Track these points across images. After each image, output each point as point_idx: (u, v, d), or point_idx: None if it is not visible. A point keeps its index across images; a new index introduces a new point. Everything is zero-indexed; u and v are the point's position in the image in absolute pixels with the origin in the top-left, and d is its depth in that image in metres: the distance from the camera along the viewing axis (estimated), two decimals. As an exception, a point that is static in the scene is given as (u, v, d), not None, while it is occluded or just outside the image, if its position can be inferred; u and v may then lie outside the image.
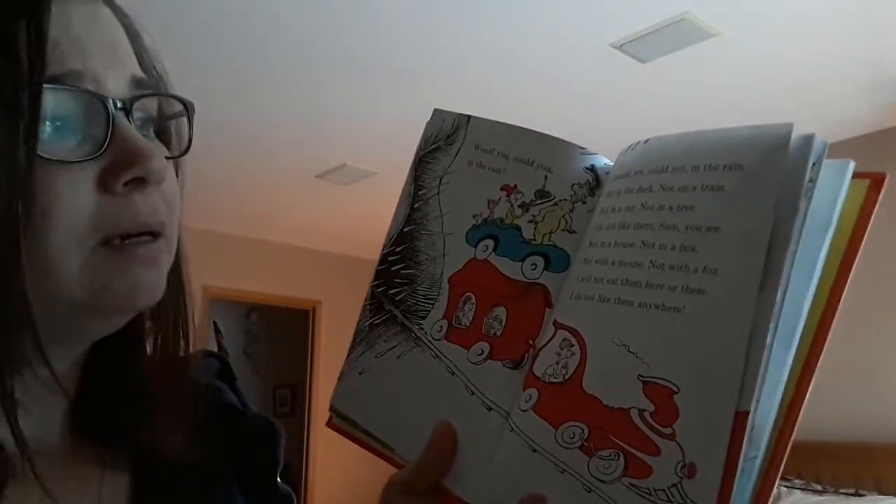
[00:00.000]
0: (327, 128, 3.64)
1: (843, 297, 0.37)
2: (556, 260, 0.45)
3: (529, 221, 0.46)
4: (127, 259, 0.44)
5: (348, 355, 0.50)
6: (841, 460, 3.38)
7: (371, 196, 4.41)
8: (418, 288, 0.48)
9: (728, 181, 0.38)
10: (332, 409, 0.50)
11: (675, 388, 0.37)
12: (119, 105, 0.44)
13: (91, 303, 0.43)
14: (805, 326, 0.37)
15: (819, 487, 3.30)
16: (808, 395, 0.37)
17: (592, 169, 0.46)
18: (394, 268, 0.49)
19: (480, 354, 0.45)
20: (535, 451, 0.40)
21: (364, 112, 3.45)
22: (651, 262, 0.39)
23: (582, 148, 0.46)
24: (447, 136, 0.50)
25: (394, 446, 0.47)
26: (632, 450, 0.37)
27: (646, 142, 0.43)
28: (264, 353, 6.75)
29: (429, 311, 0.47)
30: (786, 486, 3.32)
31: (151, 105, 0.48)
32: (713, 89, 3.23)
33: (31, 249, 0.40)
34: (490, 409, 0.44)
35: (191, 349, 0.54)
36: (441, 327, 0.47)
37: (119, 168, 0.43)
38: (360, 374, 0.49)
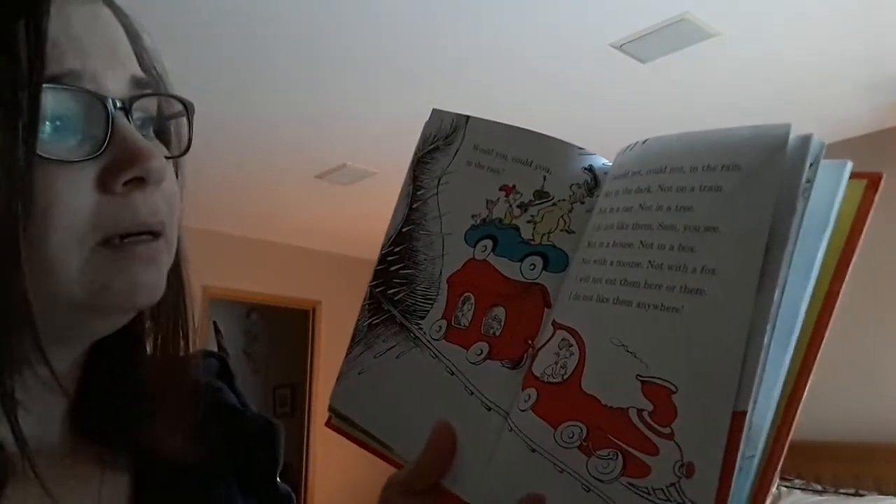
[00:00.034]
0: (327, 128, 3.64)
1: (840, 296, 0.37)
2: (555, 260, 0.45)
3: (528, 222, 0.46)
4: (126, 258, 0.44)
5: (347, 355, 0.50)
6: (841, 460, 3.38)
7: (371, 196, 4.41)
8: (417, 288, 0.48)
9: (726, 181, 0.38)
10: (330, 409, 0.50)
11: (673, 388, 0.37)
12: (119, 105, 0.44)
13: (91, 302, 0.43)
14: (802, 326, 0.37)
15: (819, 487, 3.30)
16: (805, 395, 0.37)
17: (591, 169, 0.46)
18: (392, 268, 0.49)
19: (479, 354, 0.45)
20: (534, 450, 0.40)
21: (364, 112, 3.45)
22: (649, 262, 0.39)
23: (580, 148, 0.46)
24: (446, 137, 0.50)
25: (393, 446, 0.47)
26: (630, 449, 0.37)
27: (644, 142, 0.43)
28: (264, 353, 6.75)
29: (427, 311, 0.47)
30: (786, 486, 3.32)
31: (151, 105, 0.48)
32: (713, 89, 3.23)
33: (30, 249, 0.40)
34: (489, 408, 0.44)
35: (191, 349, 0.54)
36: (440, 327, 0.47)
37: (119, 168, 0.43)
38: (358, 374, 0.49)
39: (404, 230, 0.50)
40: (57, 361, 0.43)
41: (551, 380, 0.41)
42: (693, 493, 0.35)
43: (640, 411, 0.37)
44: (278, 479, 0.59)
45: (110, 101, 0.43)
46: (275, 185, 4.42)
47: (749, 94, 3.27)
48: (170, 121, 0.51)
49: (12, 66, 0.40)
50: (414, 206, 0.50)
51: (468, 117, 0.50)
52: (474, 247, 0.47)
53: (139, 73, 0.47)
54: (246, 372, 6.59)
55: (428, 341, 0.47)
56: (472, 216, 0.48)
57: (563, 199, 0.46)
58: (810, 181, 0.37)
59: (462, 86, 3.17)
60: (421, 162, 0.51)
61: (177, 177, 0.50)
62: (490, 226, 0.47)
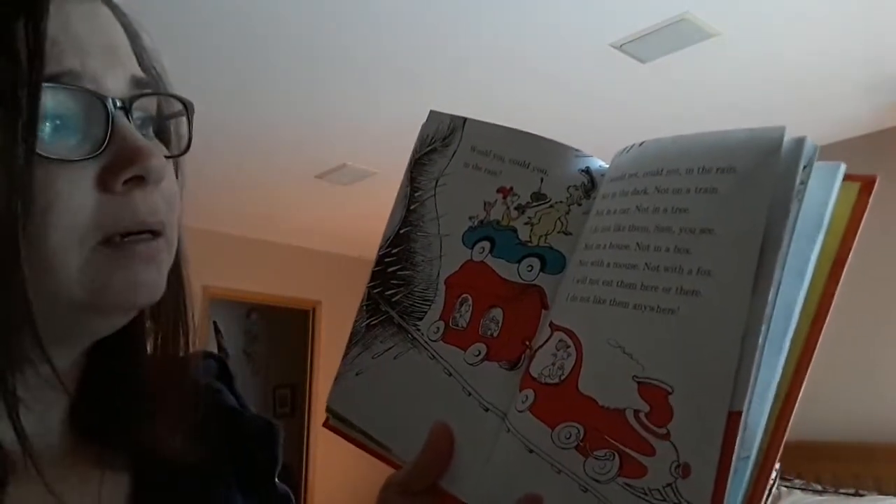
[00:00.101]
0: (327, 128, 3.64)
1: (835, 298, 0.37)
2: (552, 261, 0.45)
3: (525, 223, 0.46)
4: (126, 257, 0.44)
5: (345, 356, 0.50)
6: (841, 460, 3.38)
7: (371, 196, 4.41)
8: (415, 289, 0.48)
9: (721, 184, 0.38)
10: (328, 409, 0.50)
11: (669, 389, 0.37)
12: (118, 104, 0.44)
13: (91, 301, 0.43)
14: (797, 327, 0.37)
15: (819, 487, 3.30)
16: (800, 396, 0.37)
17: (587, 171, 0.46)
18: (390, 269, 0.50)
19: (477, 355, 0.45)
20: (531, 451, 0.41)
21: (364, 112, 3.45)
22: (646, 263, 0.39)
23: (577, 150, 0.47)
24: (443, 138, 0.50)
25: (391, 447, 0.47)
26: (627, 450, 0.37)
27: (640, 144, 0.43)
28: (264, 353, 6.75)
29: (425, 312, 0.48)
30: (786, 486, 3.32)
31: (151, 104, 0.48)
32: (713, 89, 3.23)
33: (30, 248, 0.40)
34: (487, 409, 0.44)
35: (191, 349, 0.54)
36: (438, 328, 0.47)
37: (118, 167, 0.43)
38: (356, 374, 0.49)
39: (402, 231, 0.50)
40: (57, 361, 0.43)
41: (549, 381, 0.41)
42: (689, 494, 0.35)
43: (636, 412, 0.37)
44: (276, 479, 0.60)
45: (110, 101, 0.43)
46: (275, 185, 4.42)
47: (749, 94, 3.27)
48: (169, 120, 0.51)
49: (12, 65, 0.40)
50: (411, 207, 0.50)
51: (465, 119, 0.50)
52: (472, 248, 0.47)
53: (139, 72, 0.47)
54: (246, 372, 6.59)
55: (426, 342, 0.47)
56: (470, 218, 0.48)
57: (561, 201, 0.46)
58: (804, 183, 0.37)
59: (462, 86, 3.17)
60: (418, 163, 0.51)
61: (177, 176, 0.50)
62: (488, 227, 0.47)
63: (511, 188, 0.47)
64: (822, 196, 0.38)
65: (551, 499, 0.39)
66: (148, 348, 0.52)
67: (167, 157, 0.47)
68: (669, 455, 0.36)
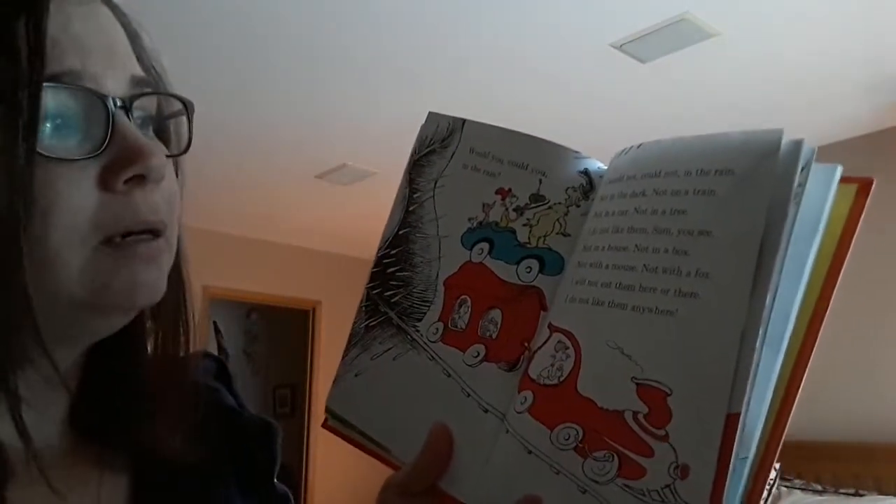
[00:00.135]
0: (327, 128, 3.64)
1: (832, 300, 0.37)
2: (551, 263, 0.45)
3: (524, 225, 0.46)
4: (127, 257, 0.44)
5: (343, 357, 0.50)
6: (841, 460, 3.38)
7: (371, 196, 4.42)
8: (414, 290, 0.48)
9: (720, 186, 0.38)
10: (327, 410, 0.50)
11: (668, 391, 0.37)
12: (119, 103, 0.44)
13: (91, 301, 0.43)
14: (794, 329, 0.37)
15: (819, 487, 3.30)
16: (798, 396, 0.37)
17: (586, 173, 0.46)
18: (389, 270, 0.50)
19: (476, 357, 0.45)
20: (530, 452, 0.41)
21: (364, 112, 3.45)
22: (644, 265, 0.39)
23: (576, 152, 0.47)
24: (442, 140, 0.50)
25: (390, 448, 0.47)
26: (626, 451, 0.38)
27: (639, 146, 0.43)
28: (264, 353, 6.75)
29: (424, 313, 0.48)
30: (786, 486, 3.32)
31: (150, 104, 0.48)
32: (713, 89, 3.23)
33: (32, 248, 0.40)
34: (486, 410, 0.44)
35: (191, 349, 0.54)
36: (437, 329, 0.47)
37: (119, 166, 0.43)
38: (355, 375, 0.49)
39: (400, 233, 0.50)
40: (58, 360, 0.43)
41: (547, 382, 0.41)
42: (687, 495, 0.35)
43: (635, 413, 0.38)
44: (275, 479, 0.60)
45: (110, 100, 0.43)
46: (275, 185, 4.42)
47: (749, 94, 3.27)
48: (169, 120, 0.51)
49: (12, 64, 0.40)
50: (410, 208, 0.50)
51: (464, 121, 0.50)
52: (471, 250, 0.47)
53: (139, 71, 0.47)
54: (246, 372, 6.59)
55: (425, 343, 0.47)
56: (469, 219, 0.48)
57: (559, 203, 0.46)
58: (802, 185, 0.37)
59: (462, 86, 3.17)
60: (417, 165, 0.51)
61: (176, 176, 0.50)
62: (486, 229, 0.47)
63: (510, 189, 0.47)
64: (819, 198, 0.38)
65: (550, 500, 0.39)
66: (148, 348, 0.52)
67: (167, 157, 0.47)
68: (668, 456, 0.36)
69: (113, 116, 0.43)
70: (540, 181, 0.47)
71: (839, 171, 0.38)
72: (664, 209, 0.40)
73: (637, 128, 3.45)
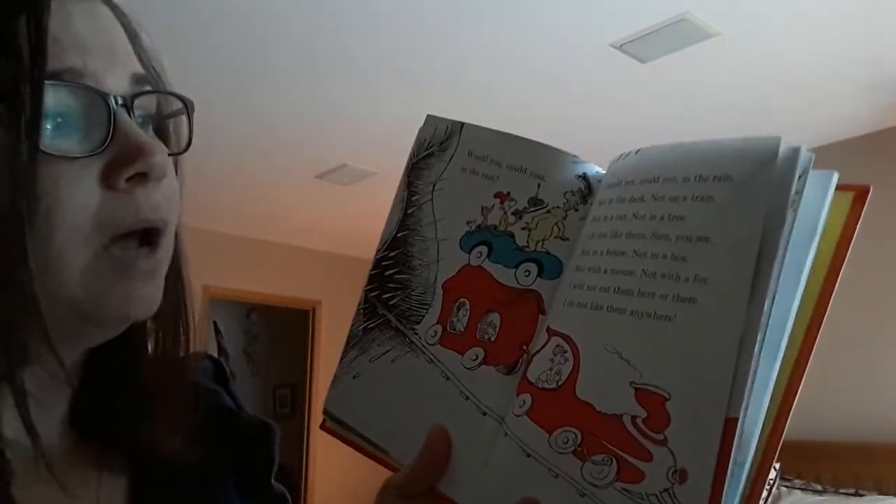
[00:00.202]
0: (327, 128, 3.64)
1: (829, 305, 0.37)
2: (549, 267, 0.45)
3: (523, 228, 0.46)
4: (126, 270, 0.44)
5: (342, 359, 0.50)
6: (841, 460, 3.38)
7: (371, 196, 4.42)
8: (412, 293, 0.48)
9: (718, 192, 0.38)
10: (325, 412, 0.50)
11: (666, 395, 0.37)
12: (120, 101, 0.44)
13: (87, 309, 0.43)
14: (792, 334, 0.38)
15: (819, 487, 3.30)
16: (796, 400, 0.37)
17: (584, 177, 0.46)
18: (387, 272, 0.50)
19: (475, 360, 0.45)
20: (528, 455, 0.41)
21: (364, 112, 3.45)
22: (643, 270, 0.39)
23: (574, 156, 0.47)
24: (440, 143, 0.50)
25: (388, 450, 0.47)
26: (624, 455, 0.38)
27: (637, 152, 0.43)
28: (264, 353, 6.75)
29: (423, 316, 0.48)
30: (786, 486, 3.32)
31: (150, 103, 0.48)
32: (713, 89, 3.23)
33: (36, 247, 0.40)
34: (484, 413, 0.44)
35: (191, 349, 0.54)
36: (435, 332, 0.47)
37: (121, 164, 0.43)
38: (353, 377, 0.49)
39: (399, 235, 0.50)
40: (54, 363, 0.43)
41: (546, 386, 0.41)
42: (686, 499, 0.35)
43: (633, 418, 0.38)
44: (273, 479, 0.60)
45: (112, 98, 0.43)
46: (275, 185, 4.42)
47: (749, 94, 3.27)
48: (169, 119, 0.51)
49: (14, 62, 0.40)
50: (409, 211, 0.50)
51: (463, 124, 0.50)
52: (469, 253, 0.47)
53: (139, 69, 0.47)
54: (246, 372, 6.59)
55: (423, 346, 0.47)
56: (467, 222, 0.48)
57: (558, 207, 0.46)
58: (799, 192, 0.37)
59: (462, 86, 3.17)
60: (416, 167, 0.51)
61: (176, 175, 0.50)
62: (485, 232, 0.47)
63: (508, 193, 0.47)
64: (816, 204, 0.38)
65: (548, 503, 0.39)
66: (148, 348, 0.52)
67: (168, 155, 0.48)
68: (666, 460, 0.36)
69: (114, 114, 0.43)
70: (538, 185, 0.47)
71: (836, 177, 0.39)
72: (663, 215, 0.40)
73: (637, 128, 3.45)
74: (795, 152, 0.37)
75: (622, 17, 2.68)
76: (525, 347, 0.44)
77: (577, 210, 0.45)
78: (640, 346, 0.38)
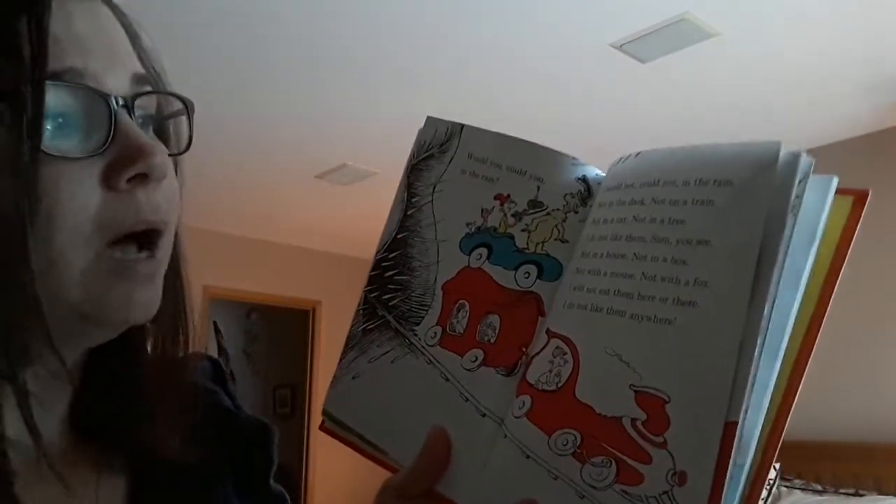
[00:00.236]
0: (327, 128, 3.64)
1: (828, 308, 0.37)
2: (549, 269, 0.45)
3: (522, 230, 0.46)
4: (125, 273, 0.44)
5: (341, 360, 0.50)
6: (841, 460, 3.38)
7: (371, 196, 4.42)
8: (412, 294, 0.48)
9: (718, 196, 0.38)
10: (324, 412, 0.50)
11: (666, 398, 0.37)
12: (121, 102, 0.44)
13: (86, 311, 0.43)
14: (791, 338, 0.38)
15: (819, 487, 3.31)
16: (795, 402, 0.37)
17: (584, 179, 0.46)
18: (387, 274, 0.50)
19: (474, 361, 0.45)
20: (528, 457, 0.41)
21: (364, 112, 3.45)
22: (643, 273, 0.39)
23: (573, 158, 0.47)
24: (440, 145, 0.50)
25: (387, 450, 0.47)
26: (624, 457, 0.38)
27: (637, 155, 0.44)
28: (264, 353, 6.75)
29: (422, 317, 0.48)
30: (786, 486, 3.33)
31: (150, 104, 0.48)
32: (713, 89, 3.23)
33: (37, 247, 0.40)
34: (484, 415, 0.44)
35: (190, 350, 0.54)
36: (435, 334, 0.47)
37: (122, 165, 0.43)
38: (353, 378, 0.49)
39: (399, 236, 0.50)
40: (56, 362, 0.43)
41: (545, 387, 0.41)
42: (685, 501, 0.35)
43: (633, 420, 0.38)
44: (272, 480, 0.60)
45: (112, 99, 0.43)
46: (275, 185, 4.42)
47: (749, 94, 3.27)
48: (169, 120, 0.51)
49: (16, 63, 0.40)
50: (409, 212, 0.50)
51: (463, 126, 0.50)
52: (469, 255, 0.47)
53: (140, 70, 0.47)
54: (246, 372, 6.59)
55: (423, 347, 0.47)
56: (467, 224, 0.48)
57: (557, 209, 0.46)
58: (799, 197, 0.37)
59: (462, 86, 3.17)
60: (415, 169, 0.51)
61: (176, 175, 0.50)
62: (485, 234, 0.47)
63: (508, 195, 0.47)
64: (816, 209, 0.38)
65: None
66: (147, 349, 0.52)
67: (168, 156, 0.48)
68: (666, 463, 0.36)
69: (115, 115, 0.43)
70: (538, 187, 0.47)
71: (836, 182, 0.39)
72: (663, 218, 0.40)
73: (637, 128, 3.46)
74: (796, 157, 0.37)
75: (622, 17, 2.68)
76: (524, 349, 0.44)
77: (576, 212, 0.45)
78: (640, 349, 0.38)
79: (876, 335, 3.47)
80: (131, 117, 0.45)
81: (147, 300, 0.46)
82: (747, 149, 0.39)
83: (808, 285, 0.38)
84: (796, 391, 0.37)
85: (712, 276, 0.37)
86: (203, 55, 2.90)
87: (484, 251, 0.47)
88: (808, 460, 3.32)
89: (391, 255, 0.50)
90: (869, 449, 3.36)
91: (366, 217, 4.70)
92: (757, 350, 0.35)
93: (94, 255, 0.43)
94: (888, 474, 3.26)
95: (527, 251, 0.46)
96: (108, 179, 0.43)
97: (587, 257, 0.43)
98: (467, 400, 0.45)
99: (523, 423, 0.42)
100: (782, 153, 0.37)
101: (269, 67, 3.04)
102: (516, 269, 0.46)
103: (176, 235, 0.50)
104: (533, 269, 0.45)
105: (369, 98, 3.31)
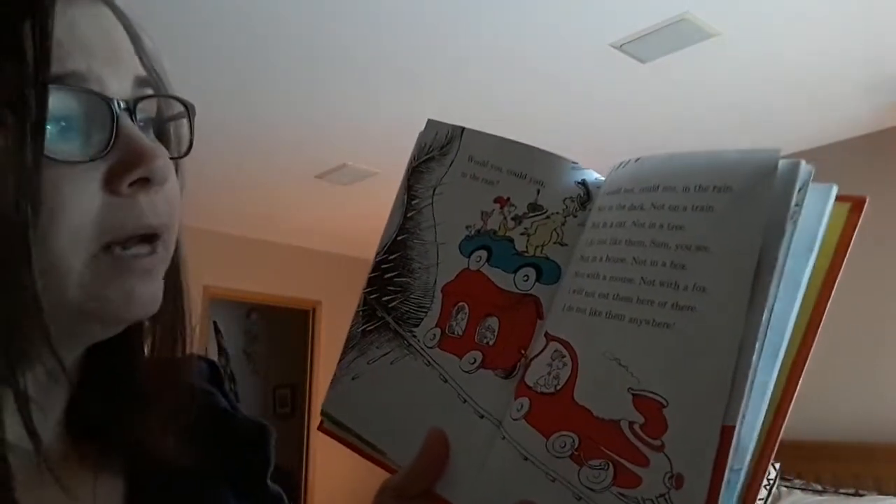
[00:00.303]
0: (327, 128, 3.64)
1: (825, 313, 0.38)
2: (548, 272, 0.45)
3: (522, 234, 0.46)
4: (125, 269, 0.44)
5: (340, 361, 0.50)
6: (841, 460, 3.38)
7: (371, 196, 4.42)
8: (411, 296, 0.49)
9: (718, 202, 0.38)
10: (323, 413, 0.50)
11: (663, 402, 0.37)
12: (123, 105, 0.44)
13: (88, 309, 0.43)
14: (789, 343, 0.38)
15: (819, 487, 3.31)
16: (794, 403, 0.37)
17: (583, 183, 0.46)
18: (387, 275, 0.50)
19: (473, 363, 0.45)
20: (526, 459, 0.41)
21: (364, 112, 3.45)
22: (642, 278, 0.39)
23: (573, 162, 0.47)
24: (441, 147, 0.51)
25: (386, 451, 0.47)
26: (621, 460, 0.38)
27: (637, 160, 0.44)
28: (264, 353, 6.75)
29: (421, 319, 0.48)
30: (786, 486, 3.33)
31: (151, 106, 0.48)
32: (713, 89, 3.23)
33: (38, 250, 0.40)
34: (482, 416, 0.44)
35: (188, 351, 0.54)
36: (434, 335, 0.47)
37: (124, 168, 0.43)
38: (352, 379, 0.49)
39: (399, 238, 0.50)
40: (55, 364, 0.43)
41: (544, 390, 0.42)
42: None
43: (631, 423, 0.38)
44: (269, 480, 0.60)
45: (115, 102, 0.43)
46: (275, 185, 4.42)
47: (749, 94, 3.27)
48: (170, 122, 0.51)
49: (19, 66, 0.40)
50: (409, 214, 0.50)
51: (463, 129, 0.51)
52: (469, 257, 0.48)
53: (142, 72, 0.47)
54: (246, 372, 6.59)
55: (422, 349, 0.47)
56: (467, 227, 0.48)
57: (557, 213, 0.46)
58: (799, 205, 0.37)
59: (462, 86, 3.18)
60: (416, 171, 0.51)
61: (176, 177, 0.50)
62: (485, 237, 0.47)
63: (508, 198, 0.48)
64: (815, 217, 0.38)
65: None
66: (146, 349, 0.53)
67: (170, 159, 0.48)
68: (663, 466, 0.36)
69: (117, 119, 0.43)
70: (538, 191, 0.47)
71: (835, 190, 0.39)
72: (662, 223, 0.40)
73: (637, 128, 3.45)
74: (796, 165, 0.37)
75: (622, 17, 2.68)
76: (523, 352, 0.44)
77: (575, 216, 0.45)
78: (638, 353, 0.39)
79: (876, 335, 3.47)
80: (133, 121, 0.45)
81: (148, 295, 0.45)
82: (747, 156, 0.39)
83: (805, 291, 0.38)
84: (794, 394, 0.37)
85: (711, 281, 0.37)
86: (203, 55, 2.90)
87: (483, 254, 0.47)
88: (808, 460, 3.32)
89: (391, 257, 0.50)
90: (869, 449, 3.36)
91: (366, 217, 4.70)
92: (755, 356, 0.35)
93: (92, 257, 0.43)
94: (888, 474, 3.26)
95: (526, 254, 0.46)
96: (110, 184, 0.43)
97: (586, 261, 0.43)
98: (466, 401, 0.45)
99: (521, 425, 0.42)
100: (782, 161, 0.37)
101: (269, 67, 3.04)
102: (515, 272, 0.46)
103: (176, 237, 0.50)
104: (532, 273, 0.45)
105: (369, 98, 3.31)
